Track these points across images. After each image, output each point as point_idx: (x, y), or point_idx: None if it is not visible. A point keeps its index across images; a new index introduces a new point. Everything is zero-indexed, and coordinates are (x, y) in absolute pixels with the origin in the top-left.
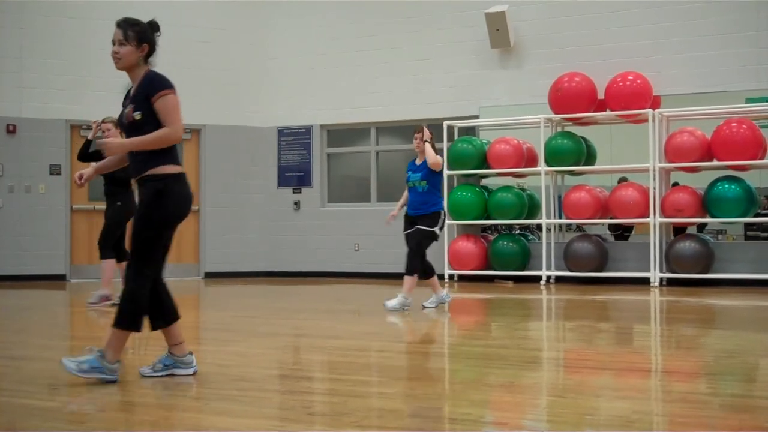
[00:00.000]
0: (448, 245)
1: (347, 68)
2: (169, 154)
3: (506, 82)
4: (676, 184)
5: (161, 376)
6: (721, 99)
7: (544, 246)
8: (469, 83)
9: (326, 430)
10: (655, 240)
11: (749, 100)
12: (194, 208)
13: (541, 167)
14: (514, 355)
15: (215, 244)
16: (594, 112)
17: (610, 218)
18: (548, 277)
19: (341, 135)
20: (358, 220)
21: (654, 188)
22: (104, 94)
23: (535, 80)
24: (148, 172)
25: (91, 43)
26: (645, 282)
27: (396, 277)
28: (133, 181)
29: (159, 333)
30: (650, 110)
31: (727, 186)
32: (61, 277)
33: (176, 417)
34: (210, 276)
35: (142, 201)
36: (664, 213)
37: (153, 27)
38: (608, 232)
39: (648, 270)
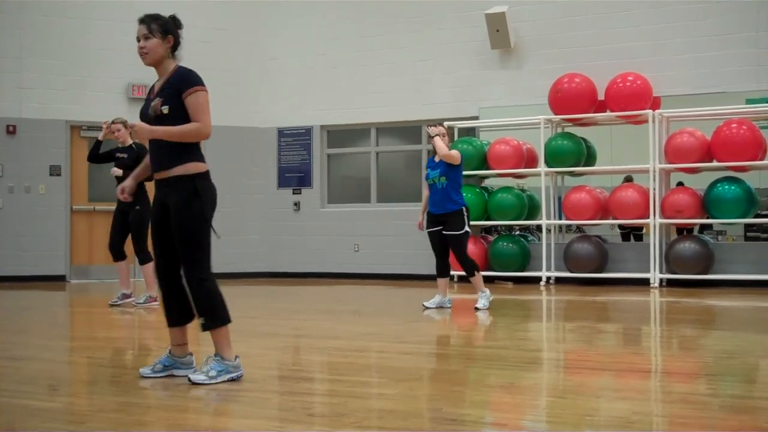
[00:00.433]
0: None
1: (347, 68)
2: (196, 150)
3: (506, 83)
4: (680, 183)
5: (160, 377)
6: (721, 100)
7: (544, 247)
8: (469, 84)
9: (326, 431)
10: (655, 241)
11: (749, 101)
12: None
13: (541, 168)
14: (514, 356)
15: (215, 245)
16: (594, 112)
17: (611, 219)
18: (548, 278)
19: (341, 135)
20: (358, 220)
21: (654, 189)
22: (104, 95)
23: (535, 81)
24: (176, 172)
25: (91, 43)
26: (645, 283)
27: (396, 277)
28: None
29: (158, 333)
30: (650, 111)
31: (727, 187)
32: (60, 278)
33: (176, 417)
34: None
35: (176, 205)
36: (664, 214)
37: (175, 21)
38: (614, 230)
39: (648, 271)
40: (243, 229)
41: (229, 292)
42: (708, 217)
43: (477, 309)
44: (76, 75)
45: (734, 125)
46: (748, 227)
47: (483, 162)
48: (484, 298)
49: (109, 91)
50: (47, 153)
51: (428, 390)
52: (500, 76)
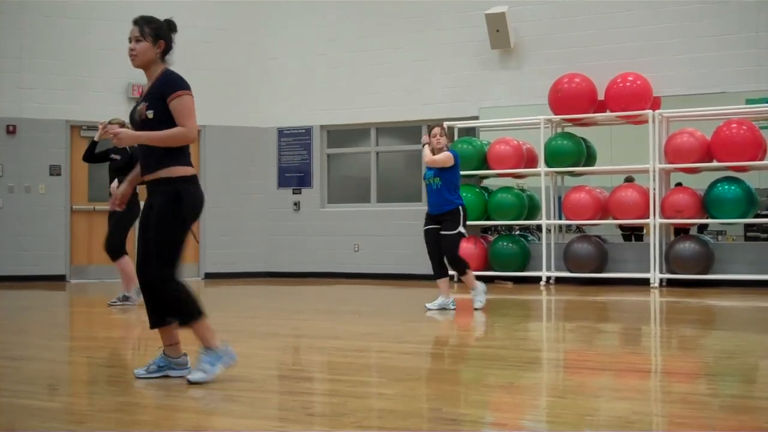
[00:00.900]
0: None
1: (347, 68)
2: (182, 155)
3: (506, 83)
4: (679, 184)
5: (155, 377)
6: (721, 100)
7: (544, 247)
8: (469, 84)
9: (326, 431)
10: (655, 241)
11: (749, 101)
12: None
13: (541, 168)
14: (514, 356)
15: (215, 245)
16: (594, 113)
17: (611, 219)
18: (548, 278)
19: (341, 135)
20: (358, 220)
21: (654, 189)
22: (104, 95)
23: (535, 81)
24: (160, 175)
25: (91, 43)
26: (645, 283)
27: (396, 277)
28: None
29: (158, 333)
30: (650, 111)
31: (726, 187)
32: (60, 278)
33: (176, 417)
34: (210, 276)
35: (157, 205)
36: (663, 214)
37: (170, 25)
38: (617, 230)
39: (648, 271)
40: (243, 229)
41: (229, 292)
42: (708, 217)
43: (476, 309)
44: (76, 75)
45: (734, 125)
46: (748, 227)
47: (483, 162)
48: (479, 294)
49: (109, 91)
50: (47, 153)
51: (428, 390)
52: (500, 76)
